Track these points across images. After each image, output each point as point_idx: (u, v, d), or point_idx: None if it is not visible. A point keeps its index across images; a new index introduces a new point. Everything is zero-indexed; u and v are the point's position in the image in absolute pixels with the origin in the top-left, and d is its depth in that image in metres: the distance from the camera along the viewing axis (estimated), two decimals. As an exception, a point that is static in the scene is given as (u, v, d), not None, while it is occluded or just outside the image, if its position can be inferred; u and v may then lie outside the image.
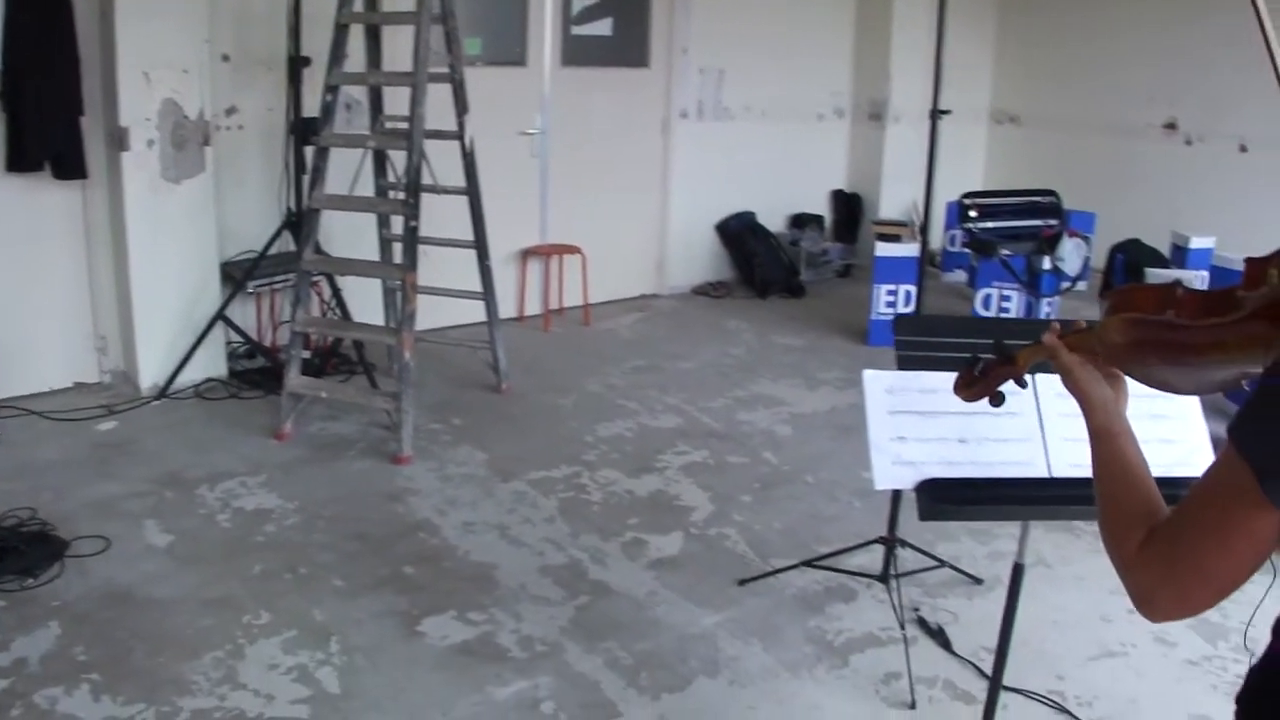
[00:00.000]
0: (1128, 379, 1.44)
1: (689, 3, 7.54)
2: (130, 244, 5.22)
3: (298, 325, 4.88)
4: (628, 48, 7.47)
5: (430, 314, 6.21)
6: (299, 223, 5.16)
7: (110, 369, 5.56)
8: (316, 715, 2.99)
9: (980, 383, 1.72)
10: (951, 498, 2.18)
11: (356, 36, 5.22)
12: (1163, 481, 2.08)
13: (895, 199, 8.72)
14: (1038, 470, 2.23)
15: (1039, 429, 2.26)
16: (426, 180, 4.94)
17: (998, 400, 1.70)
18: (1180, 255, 6.91)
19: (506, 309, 6.96)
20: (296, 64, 5.18)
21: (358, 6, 5.03)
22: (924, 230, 4.32)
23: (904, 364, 2.35)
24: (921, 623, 3.60)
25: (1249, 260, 1.14)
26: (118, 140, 5.10)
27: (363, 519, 4.19)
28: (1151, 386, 1.34)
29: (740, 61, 7.93)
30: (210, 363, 5.57)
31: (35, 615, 3.41)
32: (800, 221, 8.55)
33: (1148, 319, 1.28)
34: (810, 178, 8.74)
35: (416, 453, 4.79)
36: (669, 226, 7.88)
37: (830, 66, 8.64)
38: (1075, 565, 4.06)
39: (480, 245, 5.39)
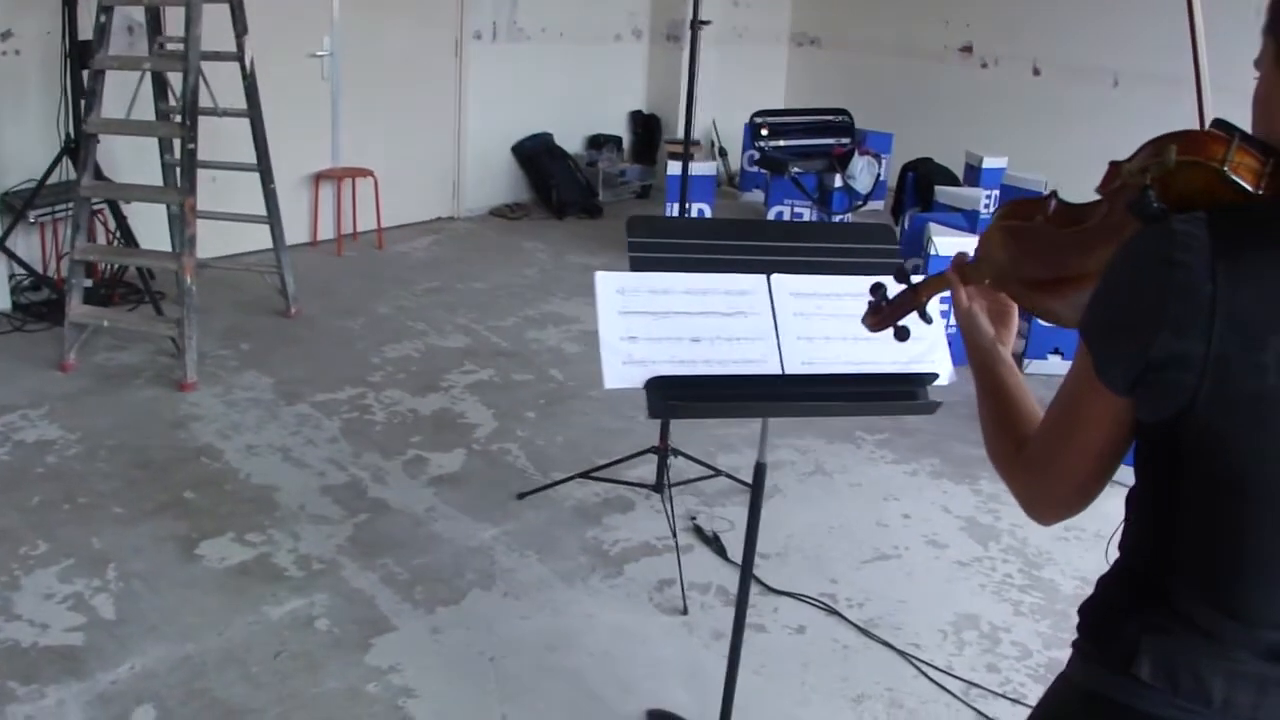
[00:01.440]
0: (1017, 313, 1.52)
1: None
2: (-107, 177, 5.05)
3: (77, 254, 4.83)
4: (419, -36, 7.38)
5: (222, 240, 6.18)
6: (77, 149, 5.07)
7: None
8: (91, 641, 3.07)
9: (884, 313, 1.73)
10: (680, 395, 2.21)
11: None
12: (900, 378, 2.23)
13: (694, 120, 8.86)
14: (771, 368, 2.28)
15: (773, 328, 2.31)
16: (207, 103, 4.90)
17: (902, 334, 1.72)
18: (973, 174, 7.20)
19: (299, 233, 6.95)
20: (72, -14, 5.04)
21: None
22: (686, 147, 4.44)
23: (636, 265, 2.35)
24: (698, 530, 3.82)
25: (1111, 163, 1.25)
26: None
27: (145, 446, 4.22)
28: (1039, 317, 1.45)
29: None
30: (-9, 295, 5.45)
31: None
32: (598, 143, 8.67)
33: (1022, 226, 1.39)
34: (609, 99, 8.83)
35: (203, 379, 4.82)
36: (465, 149, 7.91)
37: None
38: (852, 473, 4.35)
39: (264, 169, 5.38)
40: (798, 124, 7.68)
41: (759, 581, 3.49)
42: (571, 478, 4.05)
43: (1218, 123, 1.14)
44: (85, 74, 5.02)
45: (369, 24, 7.03)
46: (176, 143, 5.32)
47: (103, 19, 4.73)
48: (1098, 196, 1.27)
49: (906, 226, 6.81)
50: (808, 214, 7.45)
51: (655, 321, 2.25)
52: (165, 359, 5.02)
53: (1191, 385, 1.08)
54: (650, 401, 2.19)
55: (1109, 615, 1.25)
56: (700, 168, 7.02)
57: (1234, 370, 1.06)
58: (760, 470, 2.46)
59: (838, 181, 7.34)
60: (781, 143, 7.49)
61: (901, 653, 3.23)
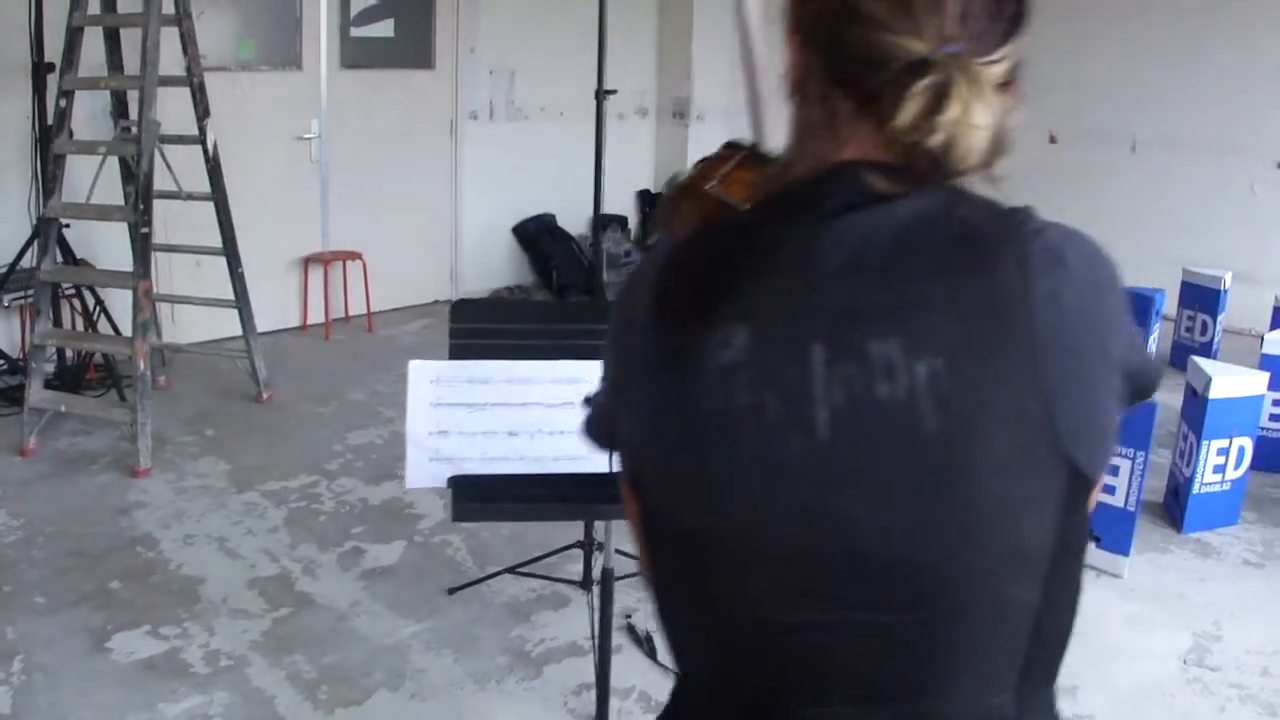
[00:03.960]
0: None
1: (476, 3, 7.56)
2: None
3: (37, 338, 4.85)
4: (411, 49, 7.45)
5: (206, 324, 6.20)
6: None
7: None
8: (-21, 737, 3.02)
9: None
10: (482, 495, 2.10)
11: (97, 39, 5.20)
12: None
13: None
14: (598, 465, 2.15)
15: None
16: (170, 186, 4.93)
17: None
18: None
19: (290, 317, 6.95)
20: (40, 70, 5.11)
21: (95, 9, 4.99)
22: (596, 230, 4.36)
23: (456, 352, 2.22)
24: (630, 630, 3.68)
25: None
26: None
27: (84, 534, 4.19)
28: None
29: (533, 61, 7.95)
30: (-38, 380, 5.49)
31: None
32: (601, 223, 8.64)
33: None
34: (614, 178, 8.79)
35: (160, 465, 4.80)
36: (462, 230, 7.92)
37: (632, 66, 8.63)
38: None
39: (230, 253, 5.39)
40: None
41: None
42: (500, 573, 3.95)
43: (728, 144, 1.11)
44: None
45: (358, 106, 7.08)
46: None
47: (62, 103, 4.80)
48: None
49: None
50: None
51: (469, 415, 2.13)
52: (126, 444, 5.00)
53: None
54: (453, 503, 2.09)
55: None
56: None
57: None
58: (606, 576, 2.35)
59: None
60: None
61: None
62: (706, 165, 1.09)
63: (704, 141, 8.56)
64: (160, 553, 4.09)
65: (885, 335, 0.91)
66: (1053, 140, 7.97)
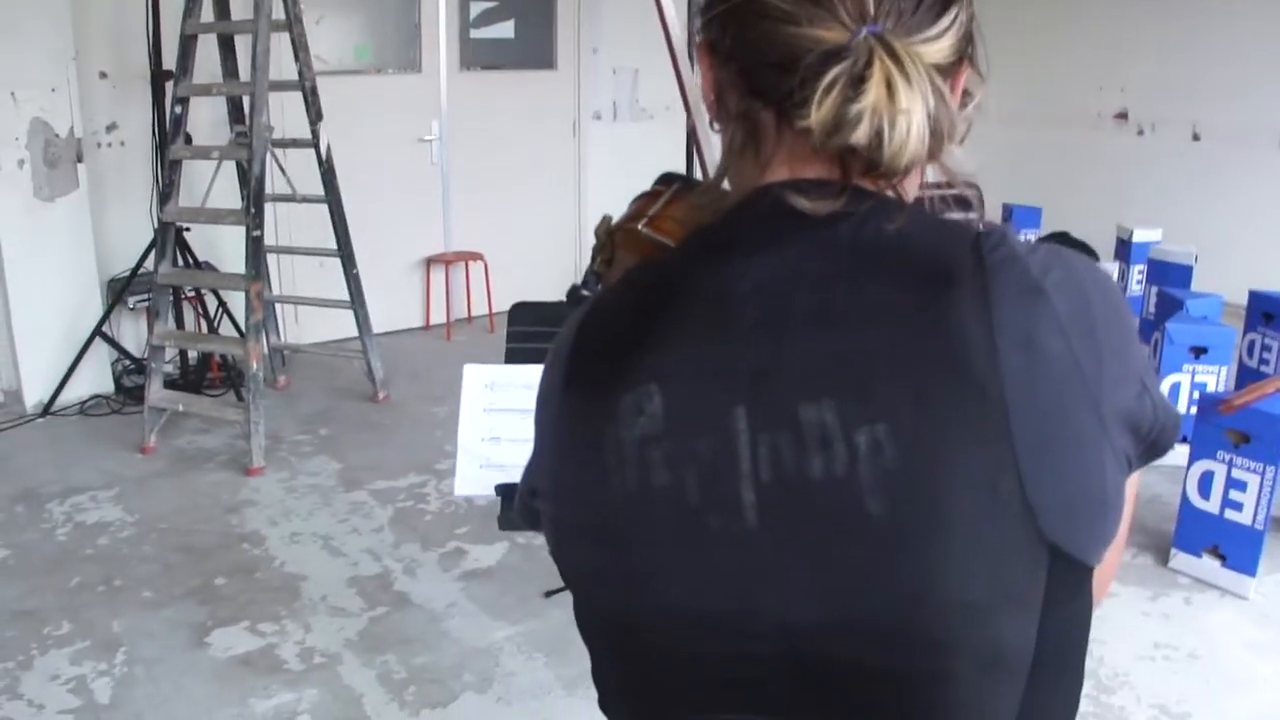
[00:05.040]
0: None
1: (598, 3, 7.52)
2: (5, 264, 5.31)
3: (155, 339, 4.96)
4: (532, 49, 7.46)
5: (327, 325, 6.30)
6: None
7: (2, 388, 5.64)
8: (77, 726, 3.06)
9: None
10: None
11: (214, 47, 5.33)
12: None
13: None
14: None
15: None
16: (285, 190, 4.99)
17: None
18: (1124, 249, 6.71)
19: (411, 318, 7.02)
20: (158, 78, 5.23)
21: (208, 16, 5.08)
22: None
23: (512, 356, 2.09)
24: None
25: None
26: (-13, 162, 5.18)
27: (194, 531, 4.26)
28: None
29: (657, 61, 7.84)
30: (96, 379, 5.66)
31: None
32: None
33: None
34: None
35: (273, 463, 4.85)
36: (585, 231, 7.88)
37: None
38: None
39: (345, 254, 5.44)
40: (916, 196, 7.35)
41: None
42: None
43: (664, 176, 0.97)
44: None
45: (479, 107, 7.10)
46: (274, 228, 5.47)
47: (177, 110, 4.89)
48: None
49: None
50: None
51: (523, 420, 2.00)
52: (243, 443, 5.07)
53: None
54: (501, 511, 1.99)
55: None
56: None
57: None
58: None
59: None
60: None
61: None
62: (640, 203, 0.97)
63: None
64: (266, 550, 4.12)
65: (817, 397, 0.76)
66: (1195, 138, 7.60)
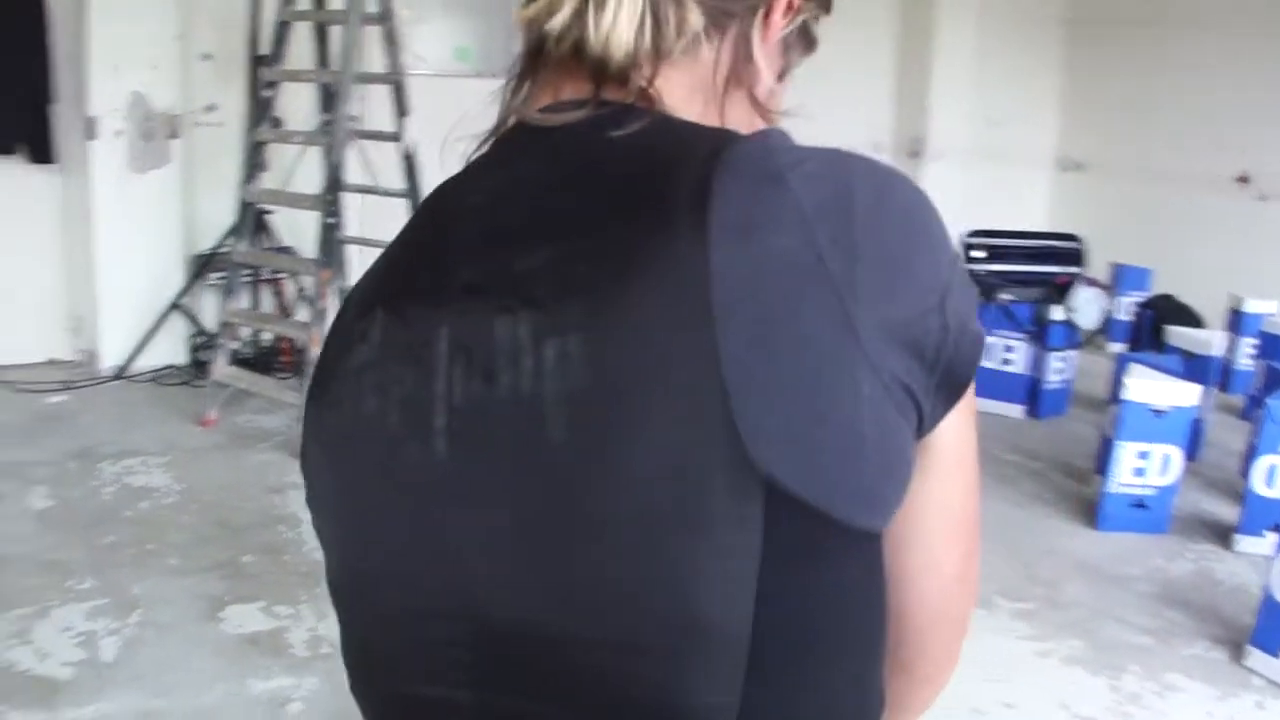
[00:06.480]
0: None
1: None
2: (96, 230, 5.46)
3: (225, 315, 5.05)
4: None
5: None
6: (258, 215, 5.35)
7: (83, 348, 5.80)
8: (77, 677, 3.08)
9: None
10: None
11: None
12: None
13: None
14: None
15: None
16: (366, 180, 5.06)
17: None
18: (1236, 319, 6.43)
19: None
20: (256, 63, 5.34)
21: (306, 4, 5.18)
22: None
23: None
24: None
25: None
26: (88, 129, 5.33)
27: (235, 507, 4.28)
28: None
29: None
30: (172, 349, 5.77)
31: None
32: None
33: None
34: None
35: (325, 450, 4.88)
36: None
37: (868, 100, 8.38)
38: (967, 641, 3.88)
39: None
40: (1019, 248, 7.13)
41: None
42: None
43: None
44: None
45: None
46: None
47: (267, 94, 4.98)
48: None
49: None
50: (1020, 347, 6.84)
51: None
52: (299, 427, 5.12)
53: None
54: None
55: None
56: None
57: None
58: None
59: (1057, 314, 6.74)
60: (998, 267, 6.98)
61: None
62: None
63: (939, 181, 8.14)
64: (299, 534, 4.13)
65: (515, 309, 0.67)
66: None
